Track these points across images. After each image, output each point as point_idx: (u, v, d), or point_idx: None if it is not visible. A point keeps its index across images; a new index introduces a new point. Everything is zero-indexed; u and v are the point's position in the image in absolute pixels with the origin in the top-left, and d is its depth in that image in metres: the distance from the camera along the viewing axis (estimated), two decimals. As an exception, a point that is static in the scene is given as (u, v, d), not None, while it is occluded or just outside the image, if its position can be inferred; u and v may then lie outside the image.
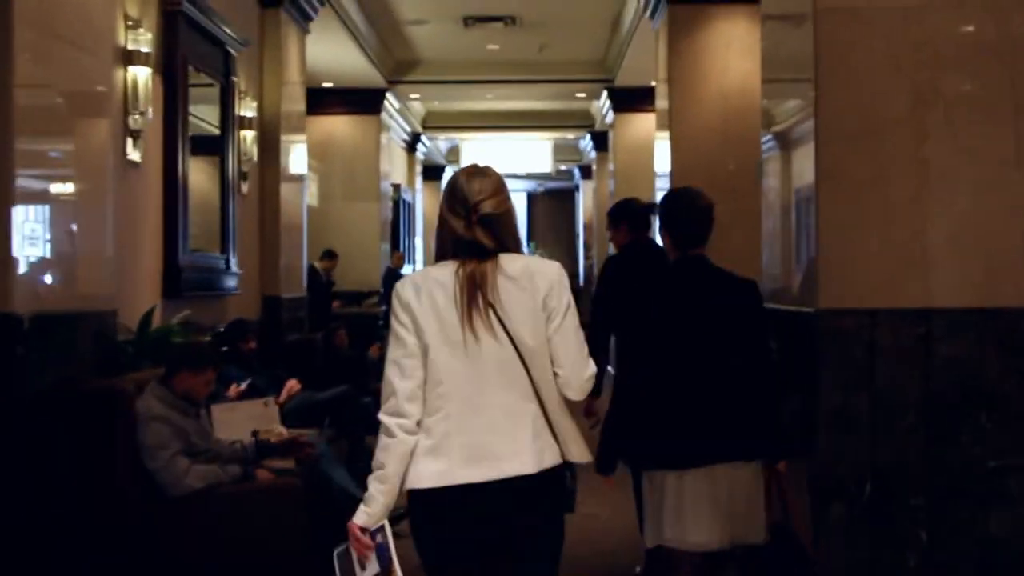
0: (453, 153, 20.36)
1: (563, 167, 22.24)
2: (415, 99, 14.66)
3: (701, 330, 3.32)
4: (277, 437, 4.98)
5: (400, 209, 15.87)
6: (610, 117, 13.81)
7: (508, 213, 2.69)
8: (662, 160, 8.65)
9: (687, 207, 3.50)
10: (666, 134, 8.31)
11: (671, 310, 3.36)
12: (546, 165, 18.97)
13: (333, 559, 2.62)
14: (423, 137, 17.60)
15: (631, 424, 3.36)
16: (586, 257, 20.61)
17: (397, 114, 14.66)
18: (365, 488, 2.62)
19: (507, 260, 2.61)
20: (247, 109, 7.44)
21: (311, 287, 11.74)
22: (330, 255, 12.06)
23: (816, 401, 3.54)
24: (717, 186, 4.89)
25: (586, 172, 20.96)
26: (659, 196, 9.23)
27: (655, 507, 3.39)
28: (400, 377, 2.58)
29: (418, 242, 18.67)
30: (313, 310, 10.21)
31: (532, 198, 27.59)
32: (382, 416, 2.58)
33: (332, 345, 8.42)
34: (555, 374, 2.63)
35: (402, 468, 2.56)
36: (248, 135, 7.45)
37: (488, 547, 2.61)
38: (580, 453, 2.70)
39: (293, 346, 7.93)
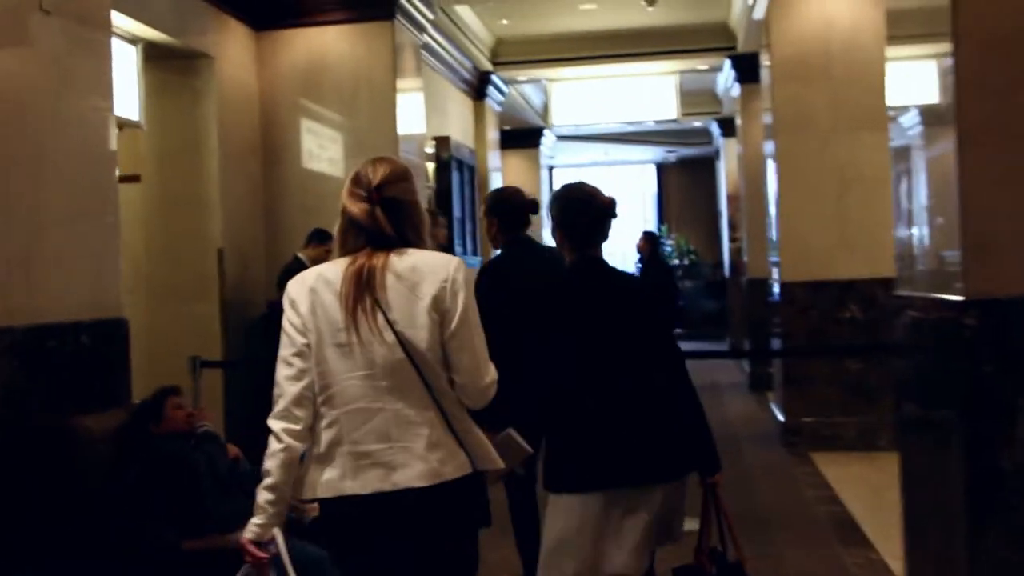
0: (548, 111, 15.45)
1: (697, 123, 17.11)
2: (454, -1, 9.80)
3: (612, 338, 3.07)
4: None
5: (459, 176, 11.08)
6: (761, 6, 8.70)
7: (414, 204, 2.55)
8: (905, 89, 3.95)
9: (586, 203, 3.21)
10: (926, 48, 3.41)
11: (576, 318, 3.10)
12: (670, 110, 13.87)
13: None
14: (495, 78, 12.74)
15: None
16: (732, 239, 15.72)
17: (437, 32, 9.88)
18: None
19: (399, 256, 2.47)
20: None
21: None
22: (320, 237, 7.53)
23: None
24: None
25: (727, 127, 15.85)
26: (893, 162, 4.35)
27: (565, 534, 3.01)
28: (288, 378, 2.46)
29: None
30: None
31: (662, 170, 22.50)
32: (271, 421, 2.46)
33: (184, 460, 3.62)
34: (451, 380, 2.48)
35: (290, 476, 2.45)
36: None
37: (389, 569, 2.44)
38: (491, 459, 2.53)
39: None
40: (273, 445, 2.45)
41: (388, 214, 2.48)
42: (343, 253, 2.52)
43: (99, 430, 3.61)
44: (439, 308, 2.43)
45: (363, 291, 2.42)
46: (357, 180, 2.53)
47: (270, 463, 2.44)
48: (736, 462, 7.80)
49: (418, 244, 2.52)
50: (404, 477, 2.39)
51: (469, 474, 2.47)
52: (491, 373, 2.53)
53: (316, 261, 7.53)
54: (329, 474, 2.42)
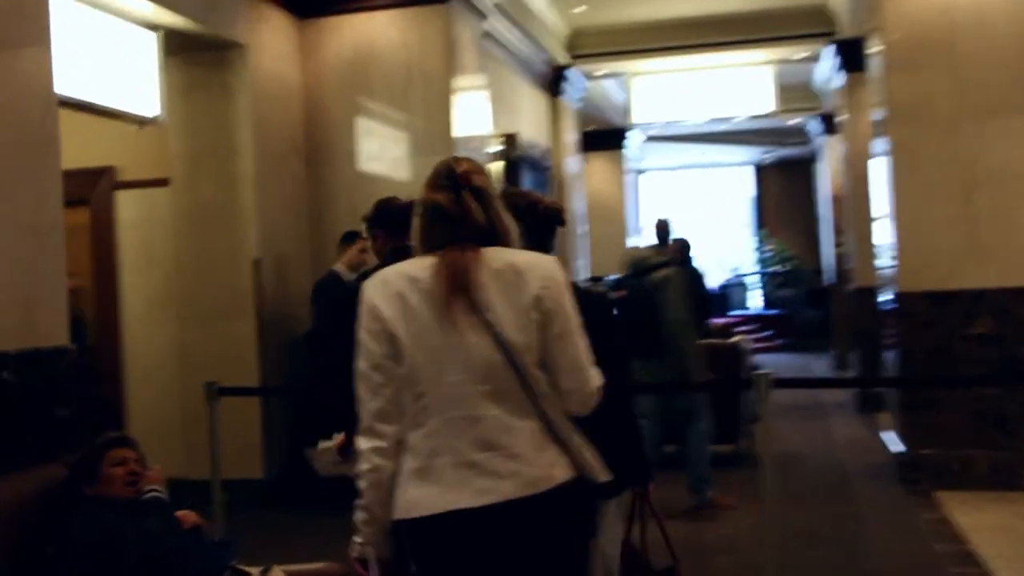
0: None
1: (793, 121, 15.89)
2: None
3: None
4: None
5: (531, 177, 10.16)
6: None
7: (497, 199, 2.40)
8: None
9: (528, 210, 2.88)
10: None
11: None
12: (768, 102, 12.73)
13: None
14: (572, 72, 11.78)
15: None
16: (836, 244, 14.52)
17: (503, 20, 8.99)
18: None
19: (492, 253, 2.31)
20: None
21: (336, 305, 6.51)
22: (348, 238, 6.72)
23: None
24: None
25: (827, 124, 14.64)
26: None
27: None
28: (368, 393, 2.30)
29: (569, 239, 12.30)
30: (337, 355, 5.28)
31: (760, 172, 21.24)
32: (358, 439, 2.33)
33: None
34: (555, 385, 2.33)
35: (383, 496, 2.30)
36: None
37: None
38: (599, 468, 2.36)
39: None
40: (361, 465, 2.31)
41: (478, 202, 2.33)
42: (425, 251, 2.33)
43: (9, 497, 2.77)
44: (540, 308, 2.27)
45: (457, 290, 2.24)
46: (437, 174, 2.38)
47: (362, 484, 2.31)
48: (844, 502, 6.69)
49: (507, 236, 2.36)
50: (514, 485, 2.22)
51: (577, 477, 2.31)
52: (596, 377, 2.38)
53: (354, 266, 6.74)
54: (429, 489, 2.23)
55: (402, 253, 4.48)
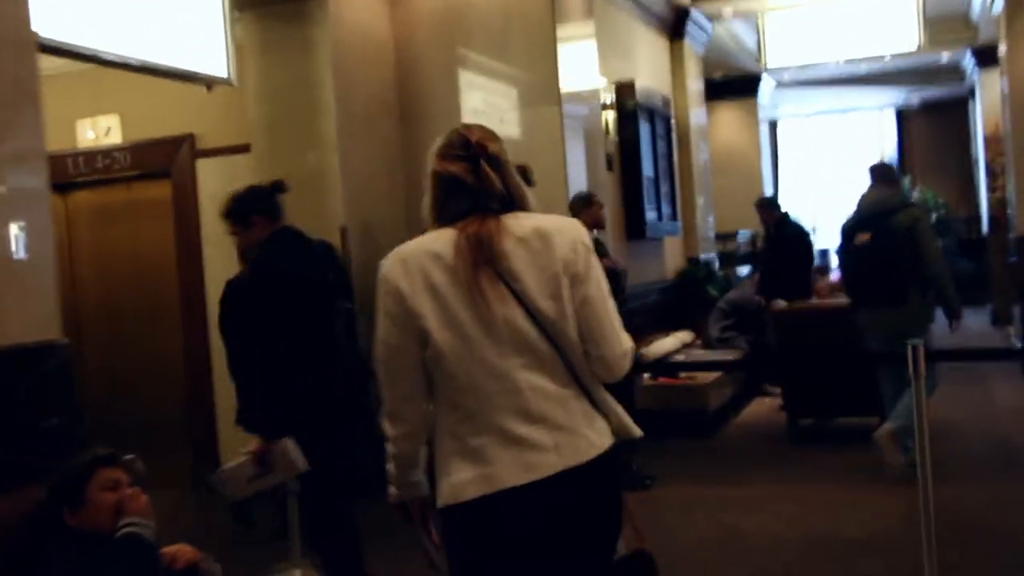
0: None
1: (945, 56, 14.52)
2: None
3: None
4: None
5: (650, 128, 9.37)
6: None
7: (511, 164, 2.36)
8: None
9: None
10: None
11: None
12: (912, 38, 11.57)
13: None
14: (695, 12, 10.86)
15: None
16: (991, 189, 13.27)
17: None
18: None
19: (514, 220, 2.26)
20: None
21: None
22: None
23: None
24: None
25: (985, 57, 13.29)
26: None
27: None
28: (392, 377, 2.27)
29: (697, 194, 11.26)
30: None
31: (903, 117, 19.76)
32: (382, 422, 2.32)
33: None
34: (585, 352, 2.28)
35: (408, 474, 2.33)
36: None
37: (538, 552, 2.23)
38: (628, 429, 2.35)
39: None
40: (388, 449, 2.31)
41: (496, 171, 2.29)
42: (441, 224, 2.28)
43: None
44: (569, 273, 2.24)
45: (482, 261, 2.20)
46: (450, 143, 2.34)
47: (388, 465, 2.34)
48: (1012, 485, 5.80)
49: (523, 203, 2.33)
50: (560, 457, 2.18)
51: (616, 443, 2.29)
52: (627, 341, 2.34)
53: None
54: (476, 471, 2.18)
55: (282, 234, 4.21)
